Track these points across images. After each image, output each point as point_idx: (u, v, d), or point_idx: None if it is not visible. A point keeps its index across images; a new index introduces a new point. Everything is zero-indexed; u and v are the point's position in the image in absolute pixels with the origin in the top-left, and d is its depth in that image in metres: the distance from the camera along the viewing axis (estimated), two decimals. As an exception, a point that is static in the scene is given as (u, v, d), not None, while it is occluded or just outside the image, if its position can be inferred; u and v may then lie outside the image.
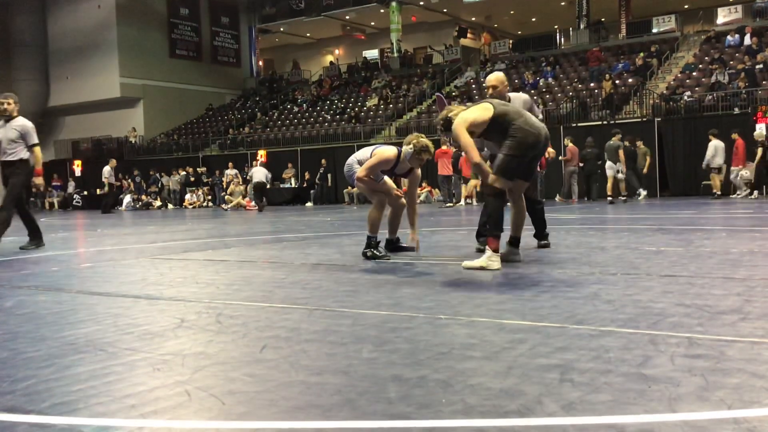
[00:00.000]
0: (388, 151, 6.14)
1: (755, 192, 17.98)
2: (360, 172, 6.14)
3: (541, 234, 6.81)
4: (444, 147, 20.01)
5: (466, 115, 5.31)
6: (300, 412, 2.09)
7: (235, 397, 2.25)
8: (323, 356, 2.76)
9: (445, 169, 19.50)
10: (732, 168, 18.52)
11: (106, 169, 23.46)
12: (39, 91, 35.30)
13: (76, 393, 2.35)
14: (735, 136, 18.34)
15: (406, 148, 6.06)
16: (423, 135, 6.25)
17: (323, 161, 25.96)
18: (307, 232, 10.37)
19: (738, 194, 18.60)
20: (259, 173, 22.65)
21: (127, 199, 28.36)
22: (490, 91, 6.54)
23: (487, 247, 5.30)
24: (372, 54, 40.69)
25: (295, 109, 33.90)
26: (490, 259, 5.21)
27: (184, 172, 29.05)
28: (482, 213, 6.49)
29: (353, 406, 2.13)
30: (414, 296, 4.08)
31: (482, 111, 5.34)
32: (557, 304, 3.67)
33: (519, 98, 6.65)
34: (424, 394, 2.22)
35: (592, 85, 25.11)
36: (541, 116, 6.87)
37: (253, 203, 23.58)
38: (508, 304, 3.76)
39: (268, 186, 23.33)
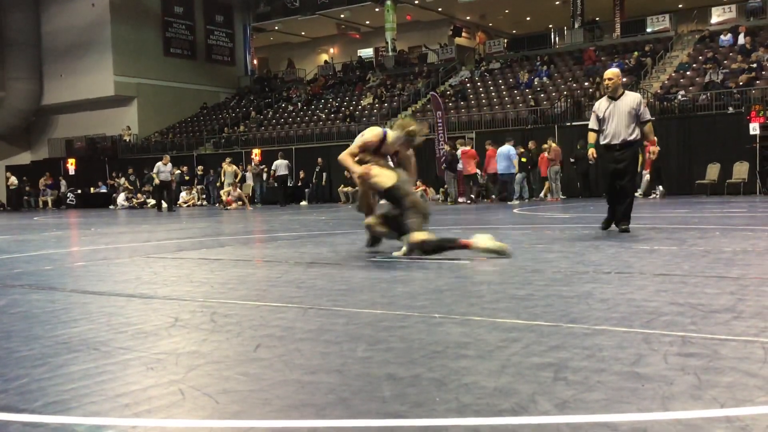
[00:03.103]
0: (370, 133, 6.31)
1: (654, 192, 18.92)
2: (342, 155, 6.31)
3: (620, 219, 7.87)
4: (467, 147, 20.48)
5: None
6: (294, 411, 2.09)
7: (229, 396, 2.25)
8: (317, 355, 2.75)
9: (468, 168, 20.15)
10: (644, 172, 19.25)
11: (159, 165, 21.77)
12: (32, 90, 35.18)
13: (69, 392, 2.35)
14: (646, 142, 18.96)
15: (398, 133, 6.17)
16: (414, 120, 6.50)
17: (319, 160, 25.95)
18: (301, 230, 10.36)
19: (647, 195, 19.30)
20: (282, 167, 23.00)
21: (122, 197, 28.30)
22: (607, 83, 7.86)
23: None
24: (367, 53, 40.68)
25: (290, 107, 33.87)
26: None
27: (179, 171, 28.97)
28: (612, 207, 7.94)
29: (347, 405, 2.13)
30: (408, 295, 4.08)
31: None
32: (551, 303, 3.67)
33: (634, 97, 7.80)
34: (418, 392, 2.22)
35: (586, 84, 25.15)
36: (648, 116, 7.79)
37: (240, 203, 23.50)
38: (502, 302, 3.76)
39: (290, 180, 24.05)
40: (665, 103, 22.04)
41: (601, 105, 7.97)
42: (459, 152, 20.65)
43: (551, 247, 6.60)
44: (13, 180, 31.43)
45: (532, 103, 24.94)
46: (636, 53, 26.38)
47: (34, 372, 2.63)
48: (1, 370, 2.67)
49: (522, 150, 20.67)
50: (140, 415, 2.10)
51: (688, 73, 24.02)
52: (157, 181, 21.89)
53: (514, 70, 29.43)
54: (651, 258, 5.54)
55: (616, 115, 7.74)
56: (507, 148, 19.54)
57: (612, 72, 8.00)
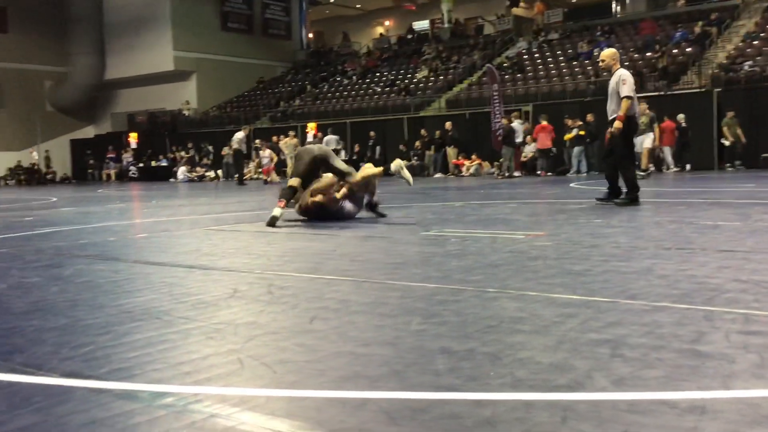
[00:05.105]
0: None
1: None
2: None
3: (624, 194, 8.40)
4: (543, 123, 20.46)
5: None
6: (348, 382, 2.12)
7: (285, 366, 2.29)
8: (371, 328, 2.78)
9: (543, 142, 20.67)
10: (663, 147, 19.28)
11: (239, 136, 21.79)
12: (95, 65, 35.96)
13: (132, 360, 2.43)
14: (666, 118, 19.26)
15: None
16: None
17: (371, 133, 25.90)
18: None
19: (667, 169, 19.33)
20: (332, 142, 23.19)
21: (182, 170, 28.85)
22: (600, 64, 8.68)
23: None
24: (422, 25, 40.26)
25: (345, 81, 33.87)
26: None
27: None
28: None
29: (400, 378, 2.14)
30: (463, 269, 4.07)
31: None
32: (609, 279, 3.62)
33: (617, 75, 8.19)
34: (472, 366, 2.22)
35: (648, 54, 24.42)
36: (625, 93, 8.07)
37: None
38: (558, 278, 3.72)
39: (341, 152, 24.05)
40: (731, 74, 21.26)
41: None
42: (516, 125, 20.40)
43: (609, 222, 6.48)
44: (34, 156, 33.22)
45: (592, 75, 24.37)
46: (700, 22, 25.47)
47: (99, 340, 2.72)
48: (68, 338, 2.77)
49: (580, 123, 20.25)
50: (200, 383, 2.16)
51: (755, 42, 23.07)
52: (235, 147, 21.98)
53: (573, 41, 28.74)
54: (714, 233, 5.39)
55: (609, 93, 8.42)
56: None
57: (605, 53, 8.70)
